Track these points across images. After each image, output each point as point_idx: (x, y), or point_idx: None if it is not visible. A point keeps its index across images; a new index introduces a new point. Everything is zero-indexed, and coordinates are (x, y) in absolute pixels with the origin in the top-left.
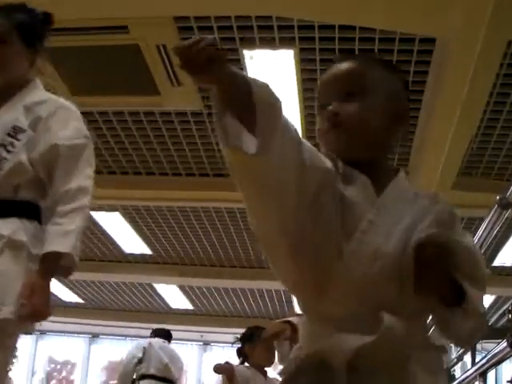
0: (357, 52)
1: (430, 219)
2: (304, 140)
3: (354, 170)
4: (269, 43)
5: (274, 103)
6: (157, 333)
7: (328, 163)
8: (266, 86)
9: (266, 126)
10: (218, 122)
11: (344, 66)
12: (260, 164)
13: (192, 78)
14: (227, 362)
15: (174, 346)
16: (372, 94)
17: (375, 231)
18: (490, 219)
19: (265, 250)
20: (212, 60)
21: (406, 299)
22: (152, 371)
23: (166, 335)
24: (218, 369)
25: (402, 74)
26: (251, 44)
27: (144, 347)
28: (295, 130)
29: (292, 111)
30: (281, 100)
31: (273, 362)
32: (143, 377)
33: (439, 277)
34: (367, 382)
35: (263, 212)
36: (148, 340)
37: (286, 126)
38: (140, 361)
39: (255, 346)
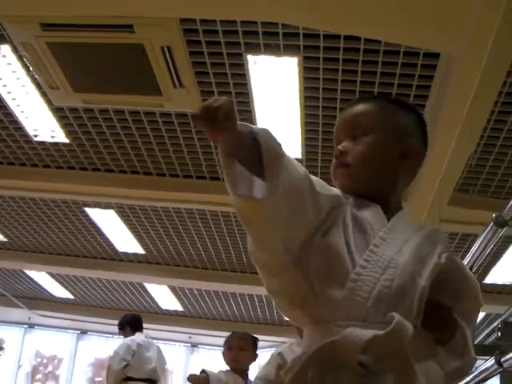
0: (360, 63)
1: (441, 245)
2: (311, 175)
3: (365, 200)
4: (273, 50)
5: (277, 144)
6: (134, 326)
7: (337, 191)
8: (267, 130)
9: (273, 167)
10: (226, 173)
11: (354, 109)
12: (270, 205)
13: (209, 133)
14: (203, 371)
15: (162, 346)
16: (378, 134)
17: (387, 246)
18: (485, 236)
19: (268, 275)
20: (228, 117)
21: (416, 313)
22: (139, 375)
23: (141, 324)
24: (190, 379)
25: (416, 113)
26: (256, 49)
27: (133, 350)
28: (300, 166)
29: (293, 119)
30: (281, 142)
31: (241, 363)
32: (130, 379)
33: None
34: (374, 381)
35: (273, 244)
36: (136, 340)
37: (292, 163)
38: (128, 364)
39: (227, 349)
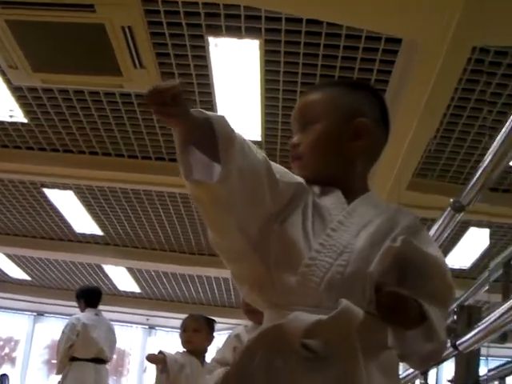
0: (322, 46)
1: (399, 228)
2: (272, 162)
3: (328, 187)
4: (235, 32)
5: (231, 130)
6: (88, 301)
7: (299, 179)
8: (222, 116)
9: (228, 151)
10: (180, 158)
11: (303, 99)
12: (223, 190)
13: (158, 116)
14: (160, 352)
15: (119, 328)
16: (326, 120)
17: (344, 230)
18: (443, 221)
19: (228, 260)
20: (177, 100)
21: (368, 300)
22: (85, 355)
23: (97, 298)
24: (148, 358)
25: (366, 89)
26: (217, 31)
27: (78, 330)
28: (260, 152)
29: (253, 101)
30: (236, 128)
31: (196, 344)
32: (76, 359)
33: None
34: (319, 366)
35: (229, 229)
36: (81, 320)
37: (250, 148)
38: (73, 343)
39: (182, 331)
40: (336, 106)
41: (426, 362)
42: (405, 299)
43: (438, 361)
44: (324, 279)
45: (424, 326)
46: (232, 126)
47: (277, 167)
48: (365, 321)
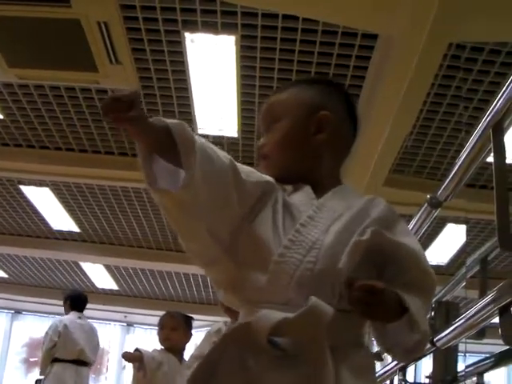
0: (298, 42)
1: (369, 220)
2: (239, 164)
3: (297, 184)
4: (211, 27)
5: (191, 135)
6: (73, 304)
7: (268, 178)
8: (181, 122)
9: (189, 157)
10: (142, 168)
11: (267, 102)
12: (189, 194)
13: (115, 124)
14: (137, 349)
15: (97, 325)
16: (287, 118)
17: (314, 225)
18: (420, 217)
19: (203, 265)
20: (132, 105)
21: (339, 297)
22: (66, 356)
23: (82, 303)
24: (124, 356)
25: (324, 83)
26: (193, 27)
27: (59, 331)
28: (224, 155)
29: (230, 97)
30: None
31: (174, 342)
32: (57, 360)
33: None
34: (289, 364)
35: (199, 233)
36: (63, 321)
37: (213, 152)
38: (55, 344)
39: (160, 329)
40: (297, 103)
41: (411, 354)
42: (379, 291)
43: (423, 352)
44: (294, 276)
45: (405, 317)
46: (191, 132)
47: (243, 168)
48: (335, 319)
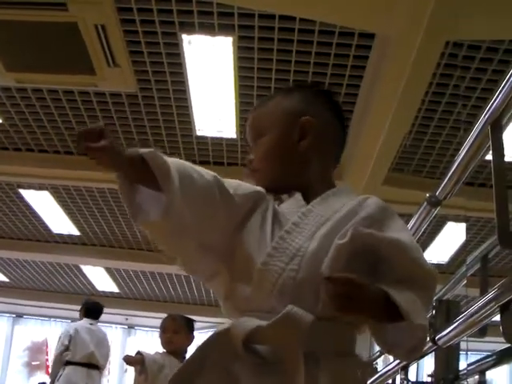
0: (295, 42)
1: (355, 220)
2: (225, 179)
3: (288, 192)
4: (208, 29)
5: (163, 161)
6: (87, 311)
7: (257, 188)
8: (153, 150)
9: (166, 183)
10: (125, 200)
11: (250, 116)
12: (173, 218)
13: (90, 152)
14: (138, 352)
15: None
16: (271, 129)
17: (299, 232)
18: (419, 216)
19: (205, 280)
20: (103, 135)
21: (323, 304)
22: (77, 359)
23: (96, 311)
24: (126, 359)
25: (305, 88)
26: (190, 29)
27: (70, 335)
28: (208, 172)
29: (227, 98)
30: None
31: (176, 345)
32: (69, 363)
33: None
34: (268, 371)
35: (193, 252)
36: (74, 326)
37: (195, 172)
38: (67, 348)
39: (161, 332)
40: (278, 113)
41: (412, 353)
42: (358, 285)
43: (423, 348)
44: (276, 284)
45: (404, 320)
46: (163, 157)
47: (230, 182)
48: (316, 326)
